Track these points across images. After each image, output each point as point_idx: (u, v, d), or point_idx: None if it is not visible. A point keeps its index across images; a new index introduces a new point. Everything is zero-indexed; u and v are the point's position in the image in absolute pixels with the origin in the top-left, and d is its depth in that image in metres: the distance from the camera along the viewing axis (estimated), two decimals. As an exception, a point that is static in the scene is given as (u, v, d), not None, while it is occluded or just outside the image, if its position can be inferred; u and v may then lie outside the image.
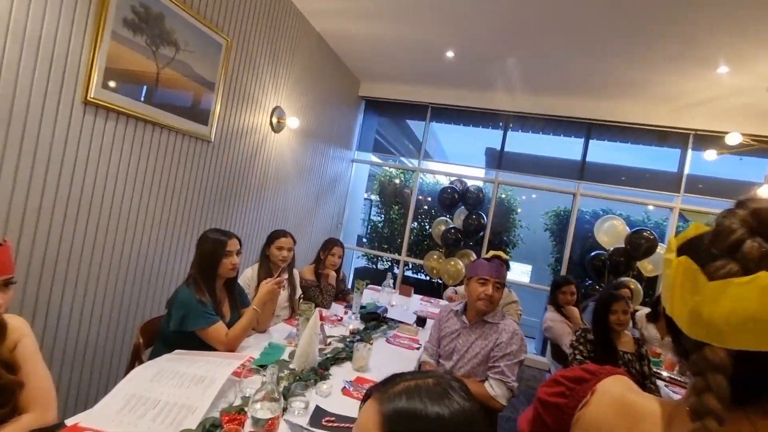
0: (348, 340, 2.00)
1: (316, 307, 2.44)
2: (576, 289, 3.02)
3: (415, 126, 6.06)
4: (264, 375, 1.21)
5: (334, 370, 1.66)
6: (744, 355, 0.39)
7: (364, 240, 5.57)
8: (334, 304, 2.71)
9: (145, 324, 1.77)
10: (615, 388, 0.55)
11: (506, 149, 4.83)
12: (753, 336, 0.38)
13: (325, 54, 3.94)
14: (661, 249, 3.97)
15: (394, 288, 3.52)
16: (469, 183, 4.69)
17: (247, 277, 2.18)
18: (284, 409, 1.26)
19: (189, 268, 1.77)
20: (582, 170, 4.57)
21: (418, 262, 4.95)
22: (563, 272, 4.55)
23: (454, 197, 4.46)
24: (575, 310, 2.93)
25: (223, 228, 2.50)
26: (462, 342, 1.80)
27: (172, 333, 1.57)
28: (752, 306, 0.37)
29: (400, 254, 5.03)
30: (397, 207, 5.33)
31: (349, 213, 5.50)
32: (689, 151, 4.29)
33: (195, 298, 1.60)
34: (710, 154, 3.57)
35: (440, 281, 4.51)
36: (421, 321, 2.55)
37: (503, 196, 5.11)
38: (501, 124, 4.90)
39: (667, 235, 4.33)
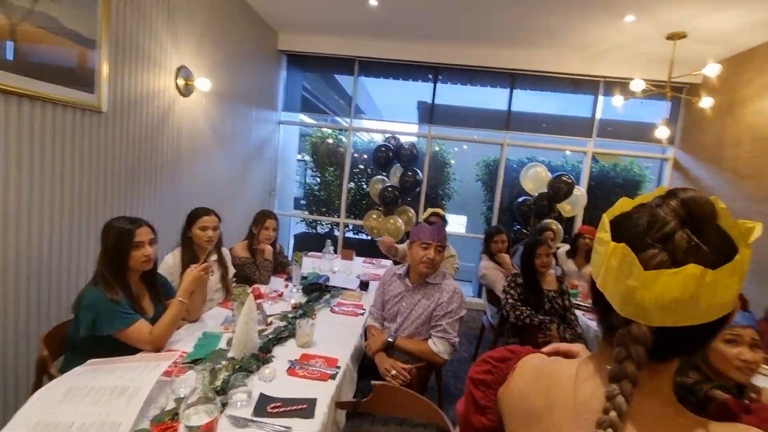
0: (290, 316, 1.94)
1: (253, 284, 2.34)
2: (507, 237, 3.21)
3: (345, 81, 5.78)
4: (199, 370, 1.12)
5: (277, 350, 1.61)
6: (661, 329, 0.46)
7: (303, 203, 5.38)
8: (273, 279, 2.61)
9: (50, 332, 1.55)
10: (533, 361, 0.62)
11: (437, 102, 4.81)
12: (673, 315, 0.45)
13: (233, 3, 3.48)
14: (577, 191, 4.33)
15: (335, 253, 3.48)
16: (403, 139, 4.64)
17: (169, 264, 1.99)
18: (224, 405, 1.20)
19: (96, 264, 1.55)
20: (508, 120, 4.73)
21: (358, 223, 4.93)
22: (494, 220, 4.83)
23: (388, 155, 4.41)
24: (506, 257, 3.13)
25: (135, 214, 2.23)
26: (406, 304, 1.84)
27: (84, 339, 1.39)
28: (676, 292, 0.43)
29: (339, 216, 4.96)
30: (332, 168, 5.17)
31: (282, 178, 5.24)
32: (600, 97, 4.61)
33: (105, 297, 1.41)
34: (618, 100, 3.85)
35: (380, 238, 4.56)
36: (364, 285, 2.57)
37: (437, 149, 5.16)
38: (430, 76, 4.83)
39: (582, 176, 4.72)
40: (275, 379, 1.40)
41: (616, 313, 0.48)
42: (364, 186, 5.05)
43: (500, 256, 3.14)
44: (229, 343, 1.58)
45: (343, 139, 5.08)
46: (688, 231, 0.45)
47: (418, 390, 1.71)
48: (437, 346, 1.70)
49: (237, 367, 1.41)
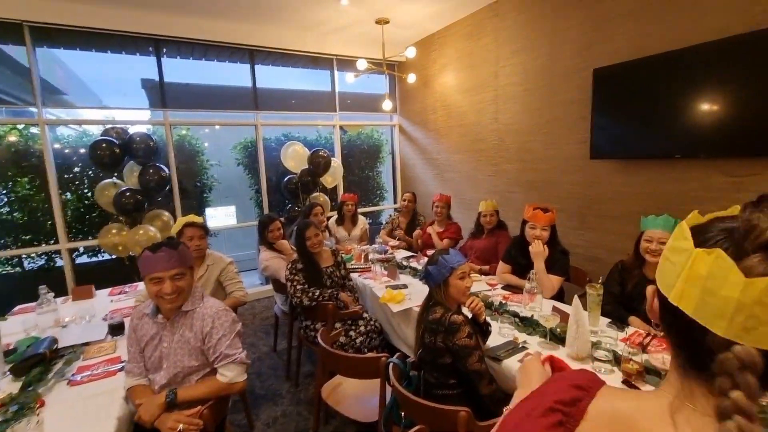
0: (-8, 424, 1.31)
1: None
2: (281, 224, 3.17)
3: (18, 54, 4.11)
4: None
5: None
6: None
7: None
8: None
9: None
10: (609, 404, 0.50)
11: (168, 80, 4.09)
12: None
13: None
14: (334, 162, 4.69)
15: (63, 297, 2.59)
16: (132, 129, 3.76)
17: None
18: None
19: None
20: (255, 98, 4.55)
21: (92, 243, 3.82)
22: (265, 202, 4.71)
23: (114, 152, 3.49)
24: (285, 243, 3.11)
25: None
26: (167, 344, 1.52)
27: None
28: None
29: (57, 242, 3.69)
30: (26, 179, 3.69)
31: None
32: (336, 73, 5.02)
33: None
34: (350, 77, 4.29)
35: (133, 255, 3.70)
36: (116, 329, 2.01)
37: (183, 133, 4.46)
38: (150, 48, 4.02)
39: (336, 148, 5.15)
40: None
41: (708, 335, 0.42)
42: (89, 194, 3.89)
43: (279, 244, 3.10)
44: None
45: (36, 133, 3.67)
46: None
47: (217, 429, 1.51)
48: (226, 375, 1.51)
49: None
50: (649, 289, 0.53)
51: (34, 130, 3.69)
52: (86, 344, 1.90)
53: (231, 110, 4.54)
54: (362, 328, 2.44)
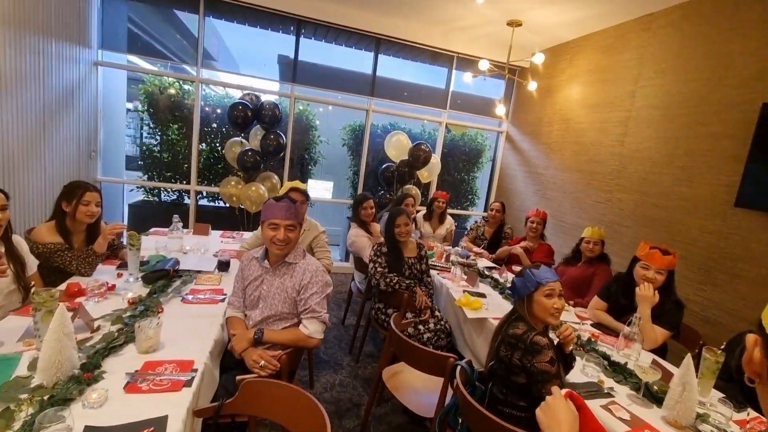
0: (127, 316, 1.60)
1: (68, 279, 1.85)
2: (374, 203, 3.30)
3: (189, 20, 4.85)
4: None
5: (109, 364, 1.31)
6: None
7: (140, 164, 4.45)
8: (101, 267, 2.11)
9: None
10: None
11: (300, 59, 4.48)
12: None
13: None
14: (434, 159, 4.70)
15: (186, 228, 3.03)
16: (264, 98, 4.21)
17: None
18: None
19: None
20: (373, 85, 4.75)
21: (214, 190, 4.39)
22: (360, 185, 4.92)
23: (247, 114, 3.95)
24: (377, 226, 3.23)
25: None
26: (267, 287, 1.71)
27: None
28: None
29: (188, 183, 4.32)
30: (176, 126, 4.38)
31: (107, 135, 4.22)
32: (453, 71, 4.99)
33: None
34: (468, 76, 4.22)
35: (242, 207, 4.17)
36: (223, 265, 2.30)
37: (301, 108, 4.86)
38: (292, 28, 4.43)
39: (438, 145, 5.15)
40: (108, 402, 1.13)
41: None
42: (219, 148, 4.47)
43: (372, 226, 3.23)
44: (33, 365, 1.21)
45: (190, 89, 4.32)
46: None
47: (288, 376, 1.65)
48: (308, 327, 1.64)
49: (48, 398, 1.09)
50: (750, 338, 0.45)
51: (186, 86, 4.34)
52: (199, 272, 2.20)
53: (348, 92, 4.80)
54: (432, 325, 2.43)
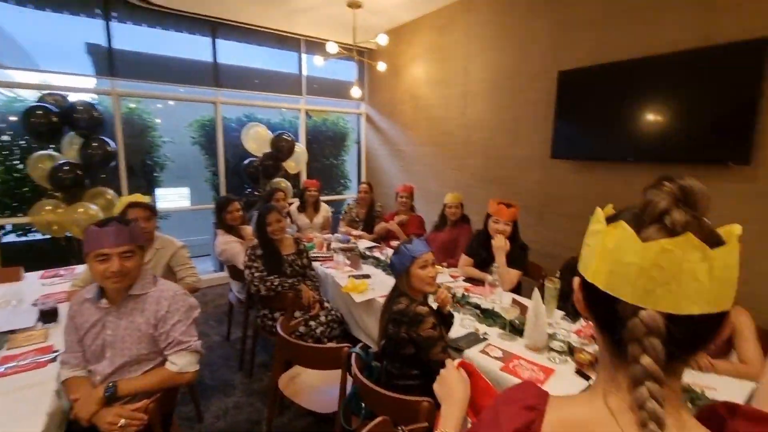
0: None
1: None
2: (240, 205, 3.02)
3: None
4: None
5: None
6: (673, 319, 0.42)
7: None
8: None
9: None
10: (556, 420, 0.48)
11: (117, 47, 3.74)
12: (675, 296, 0.42)
13: None
14: (298, 147, 4.54)
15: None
16: (73, 98, 3.41)
17: None
18: None
19: None
20: (216, 74, 4.29)
21: (22, 221, 3.44)
22: (222, 186, 4.48)
23: (52, 120, 3.14)
24: (248, 228, 2.97)
25: None
26: (112, 332, 1.39)
27: None
28: (676, 265, 0.41)
29: (-20, 217, 3.29)
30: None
31: None
32: (303, 55, 4.84)
33: None
34: (318, 60, 4.14)
35: (70, 236, 3.38)
36: (48, 315, 1.81)
37: (131, 106, 4.11)
38: (98, 11, 3.65)
39: (300, 133, 4.99)
40: None
41: (619, 305, 0.44)
42: (19, 166, 3.50)
43: (242, 229, 2.96)
44: None
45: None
46: (684, 208, 0.44)
47: (163, 425, 1.41)
48: (177, 363, 1.40)
49: None
50: (575, 280, 0.53)
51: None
52: (11, 332, 1.70)
53: (188, 84, 4.24)
54: (323, 318, 2.38)
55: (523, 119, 3.33)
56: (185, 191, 4.87)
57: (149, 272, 1.48)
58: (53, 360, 1.50)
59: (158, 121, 4.43)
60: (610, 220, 0.48)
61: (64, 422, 1.35)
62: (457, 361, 0.88)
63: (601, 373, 0.51)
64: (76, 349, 1.41)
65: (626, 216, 0.46)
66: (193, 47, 4.35)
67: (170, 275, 2.30)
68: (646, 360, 0.42)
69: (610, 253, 0.45)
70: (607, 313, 0.46)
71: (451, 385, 0.82)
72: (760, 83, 2.05)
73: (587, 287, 0.48)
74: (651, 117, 2.48)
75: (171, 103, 6.15)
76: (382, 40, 3.88)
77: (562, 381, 1.44)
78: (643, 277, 0.43)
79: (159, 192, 4.39)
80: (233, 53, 4.56)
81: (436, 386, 0.86)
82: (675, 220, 0.43)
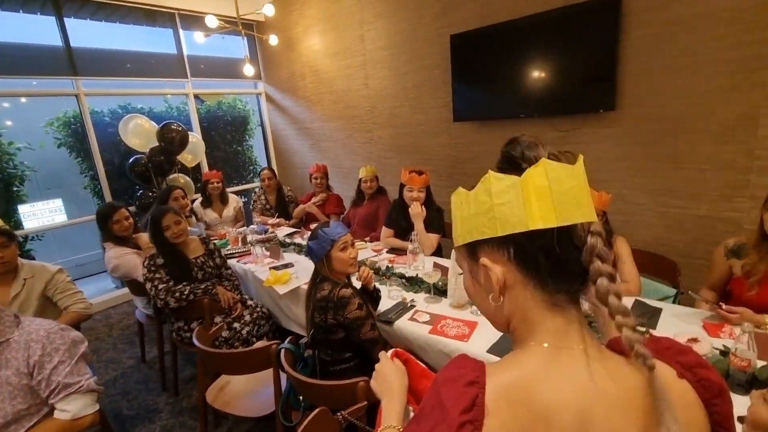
0: None
1: None
2: (128, 211, 2.63)
3: None
4: None
5: None
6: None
7: None
8: None
9: None
10: (496, 388, 0.44)
11: None
12: (590, 207, 0.46)
13: None
14: (192, 137, 4.08)
15: None
16: None
17: None
18: None
19: None
20: (72, 61, 3.60)
21: None
22: (106, 191, 3.89)
23: None
24: (144, 236, 2.62)
25: None
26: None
27: None
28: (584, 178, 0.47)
29: None
30: None
31: None
32: (181, 32, 4.28)
33: None
34: (199, 36, 3.70)
35: None
36: None
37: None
38: None
39: (193, 120, 4.49)
40: None
41: (575, 234, 0.45)
42: None
43: (138, 238, 2.60)
44: None
45: None
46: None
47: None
48: (69, 409, 1.18)
49: None
50: (485, 263, 0.51)
51: None
52: None
53: (38, 76, 3.51)
54: (247, 317, 2.24)
55: (424, 86, 3.37)
56: (58, 204, 4.14)
57: (7, 314, 1.21)
58: None
59: (8, 123, 3.63)
60: (504, 170, 0.48)
61: None
62: (390, 352, 0.85)
63: (521, 332, 0.50)
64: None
65: (529, 158, 0.47)
66: (35, 29, 3.57)
67: (51, 306, 1.95)
68: (607, 268, 0.44)
69: (547, 189, 0.45)
70: (554, 254, 0.45)
71: (387, 378, 0.79)
72: (617, 36, 2.30)
73: (526, 244, 0.46)
74: (535, 74, 2.66)
75: (23, 100, 5.07)
76: (269, 10, 3.58)
77: (486, 331, 1.53)
78: (582, 194, 0.46)
79: (24, 209, 3.66)
80: (92, 35, 3.85)
81: (373, 383, 0.82)
82: (558, 153, 0.47)
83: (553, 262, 0.46)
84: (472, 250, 0.52)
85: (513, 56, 2.72)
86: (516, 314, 0.50)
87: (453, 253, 1.75)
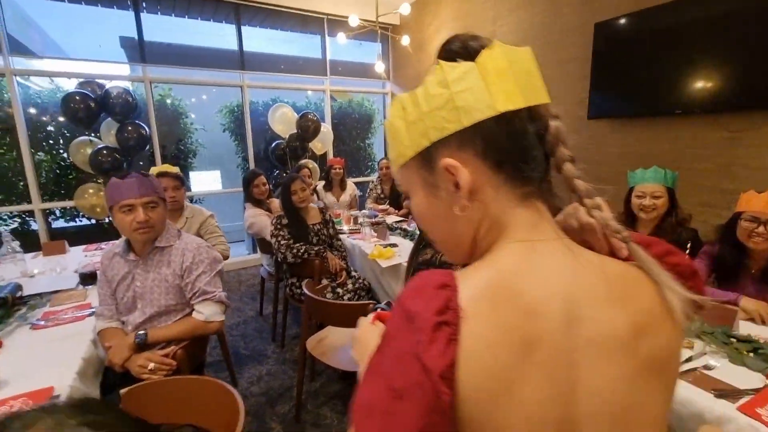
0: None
1: None
2: (267, 179, 3.05)
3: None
4: None
5: None
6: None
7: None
8: None
9: None
10: (471, 285, 0.38)
11: (148, 38, 3.87)
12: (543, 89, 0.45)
13: None
14: (324, 128, 4.53)
15: (28, 254, 2.44)
16: (109, 85, 3.55)
17: None
18: None
19: None
20: (242, 59, 4.34)
21: (68, 204, 3.65)
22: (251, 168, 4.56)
23: (90, 106, 3.29)
24: (276, 202, 3.00)
25: None
26: (141, 283, 1.42)
27: None
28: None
29: (30, 202, 3.51)
30: (-6, 135, 3.48)
31: None
32: (327, 37, 4.81)
33: None
34: (341, 37, 4.09)
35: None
36: (88, 278, 1.89)
37: (161, 94, 4.25)
38: (128, 2, 3.78)
39: (326, 114, 4.98)
40: None
41: (540, 117, 0.44)
42: (65, 155, 3.70)
43: (271, 203, 3.00)
44: None
45: (2, 90, 3.45)
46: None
47: (193, 372, 1.43)
48: (203, 312, 1.42)
49: None
50: (447, 162, 0.43)
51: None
52: (55, 292, 1.78)
53: (216, 68, 4.33)
54: (350, 286, 2.36)
55: (556, 80, 3.13)
56: (217, 174, 5.00)
57: (174, 227, 1.50)
58: (90, 314, 1.55)
59: (193, 116, 4.57)
60: (449, 58, 0.43)
61: (101, 371, 1.40)
62: (371, 316, 0.78)
63: (490, 240, 0.44)
64: (109, 301, 1.45)
65: (475, 48, 0.42)
66: (220, 36, 4.43)
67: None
68: (570, 153, 0.43)
69: (508, 70, 0.41)
70: (523, 141, 0.42)
71: (369, 344, 0.70)
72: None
73: (496, 132, 0.41)
74: (700, 62, 2.24)
75: (204, 97, 6.34)
76: (405, 9, 3.77)
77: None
78: (538, 76, 0.43)
79: (192, 175, 4.54)
80: (258, 40, 4.60)
81: (353, 352, 0.75)
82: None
83: (521, 150, 0.42)
84: (427, 157, 0.44)
85: (672, 42, 2.34)
86: (484, 221, 0.44)
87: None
